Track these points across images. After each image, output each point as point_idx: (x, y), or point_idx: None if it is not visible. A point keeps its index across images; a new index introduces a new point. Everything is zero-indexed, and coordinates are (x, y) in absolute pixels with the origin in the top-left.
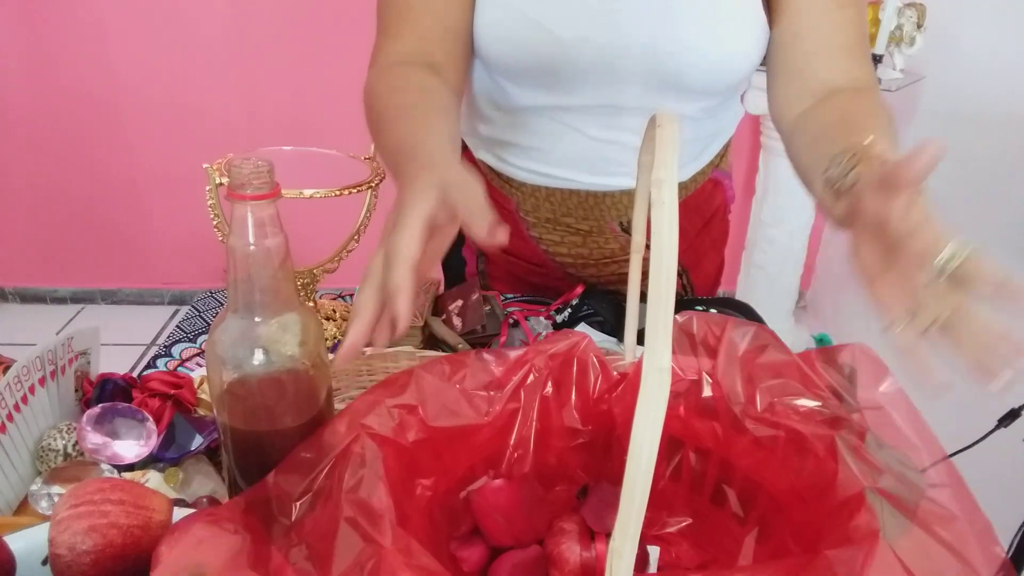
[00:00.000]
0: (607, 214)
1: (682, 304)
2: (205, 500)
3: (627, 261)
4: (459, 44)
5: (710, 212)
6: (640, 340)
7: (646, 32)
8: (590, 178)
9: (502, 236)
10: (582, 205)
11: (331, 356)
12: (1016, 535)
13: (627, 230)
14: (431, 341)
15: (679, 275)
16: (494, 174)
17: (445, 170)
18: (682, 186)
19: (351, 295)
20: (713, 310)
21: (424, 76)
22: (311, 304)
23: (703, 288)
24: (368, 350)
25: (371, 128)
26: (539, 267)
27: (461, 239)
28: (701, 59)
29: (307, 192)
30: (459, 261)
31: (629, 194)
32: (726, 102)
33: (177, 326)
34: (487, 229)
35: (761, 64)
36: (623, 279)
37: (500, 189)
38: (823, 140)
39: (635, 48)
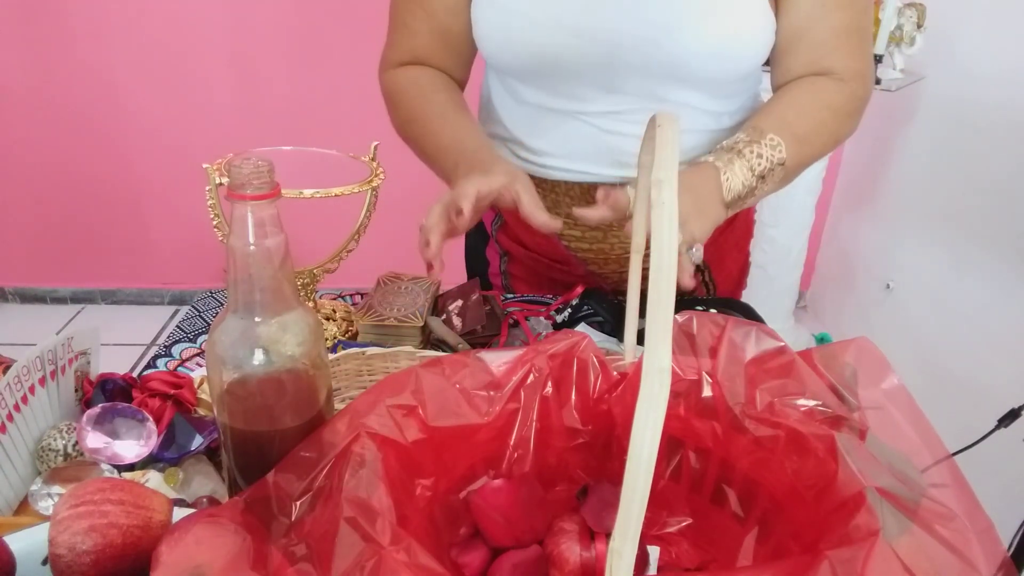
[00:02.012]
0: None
1: (682, 304)
2: (205, 500)
3: (651, 256)
4: (455, 43)
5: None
6: (640, 340)
7: (640, 20)
8: (609, 170)
9: (558, 224)
10: None
11: (331, 356)
12: (1016, 535)
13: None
14: (431, 341)
15: (700, 271)
16: None
17: (496, 163)
18: None
19: (351, 295)
20: (713, 310)
21: (434, 75)
22: (311, 304)
23: (726, 287)
24: (369, 350)
25: (402, 131)
26: (561, 264)
27: (485, 240)
28: (700, 46)
29: (307, 192)
30: (483, 262)
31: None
32: (745, 96)
33: (177, 326)
34: (544, 216)
35: (765, 64)
36: (646, 275)
37: None
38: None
39: (630, 36)
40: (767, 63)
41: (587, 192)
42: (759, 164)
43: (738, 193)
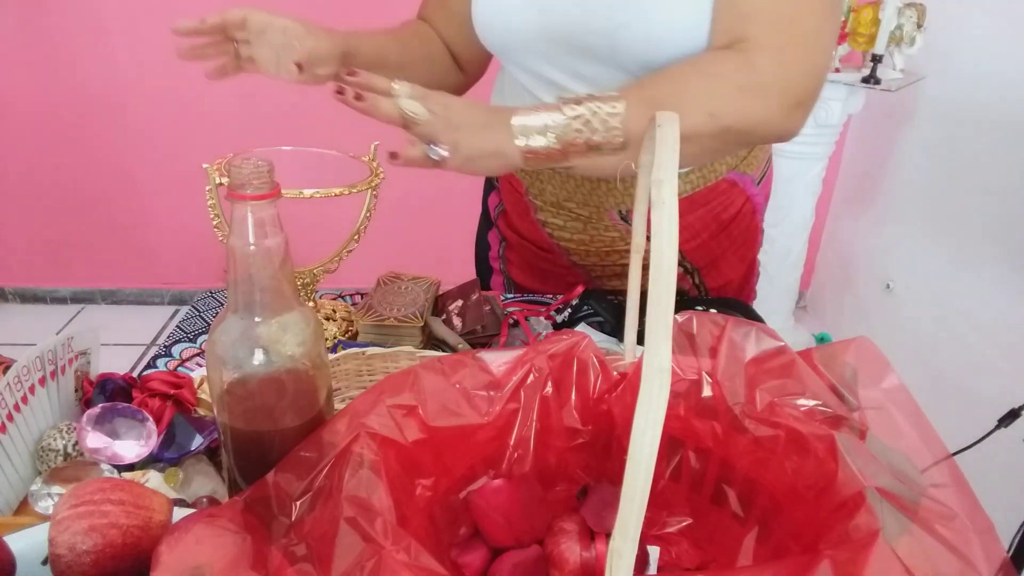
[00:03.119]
0: (605, 201)
1: (682, 304)
2: (205, 500)
3: (628, 252)
4: (466, 25)
5: (729, 215)
6: (640, 340)
7: (578, 4)
8: None
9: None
10: (580, 189)
11: (331, 356)
12: (1016, 535)
13: (625, 219)
14: (431, 341)
15: (690, 275)
16: None
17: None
18: (682, 177)
19: (351, 295)
20: (713, 310)
21: (417, 24)
22: (311, 304)
23: (724, 295)
24: (369, 350)
25: None
26: (547, 252)
27: (489, 224)
28: (634, 34)
29: (307, 192)
30: (484, 245)
31: (625, 182)
32: None
33: (177, 326)
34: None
35: None
36: (626, 271)
37: (515, 173)
38: None
39: (571, 20)
40: None
41: (567, 181)
42: (583, 112)
43: (537, 129)
